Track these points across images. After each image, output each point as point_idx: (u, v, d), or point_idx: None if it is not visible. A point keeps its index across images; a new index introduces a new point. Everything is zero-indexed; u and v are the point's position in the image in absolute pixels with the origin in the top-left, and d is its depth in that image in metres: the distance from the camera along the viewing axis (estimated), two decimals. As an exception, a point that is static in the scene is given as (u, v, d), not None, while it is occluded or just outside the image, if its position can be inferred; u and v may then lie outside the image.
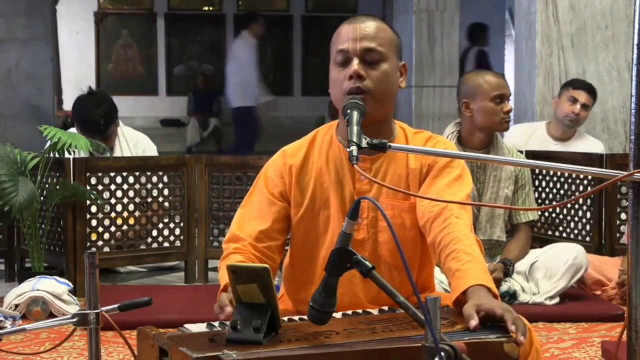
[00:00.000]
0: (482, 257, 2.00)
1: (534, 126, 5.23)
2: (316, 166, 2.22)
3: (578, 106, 4.92)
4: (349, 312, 1.95)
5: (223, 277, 2.06)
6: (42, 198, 4.32)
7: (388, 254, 2.16)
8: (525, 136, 4.84)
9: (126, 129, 4.90)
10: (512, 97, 4.09)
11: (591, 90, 5.03)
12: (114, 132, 4.74)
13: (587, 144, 5.05)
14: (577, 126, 5.02)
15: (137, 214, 4.49)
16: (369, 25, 2.16)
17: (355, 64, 2.12)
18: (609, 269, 4.06)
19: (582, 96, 4.94)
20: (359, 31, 2.14)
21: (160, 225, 4.56)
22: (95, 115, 4.60)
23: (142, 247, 4.53)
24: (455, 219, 2.04)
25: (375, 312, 1.96)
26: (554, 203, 4.61)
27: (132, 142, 4.86)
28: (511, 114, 3.95)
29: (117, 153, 4.72)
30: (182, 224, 4.60)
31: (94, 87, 5.02)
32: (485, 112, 3.79)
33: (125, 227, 4.45)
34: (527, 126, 5.34)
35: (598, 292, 4.06)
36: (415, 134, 2.26)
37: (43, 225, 4.32)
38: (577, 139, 5.06)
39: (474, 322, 1.73)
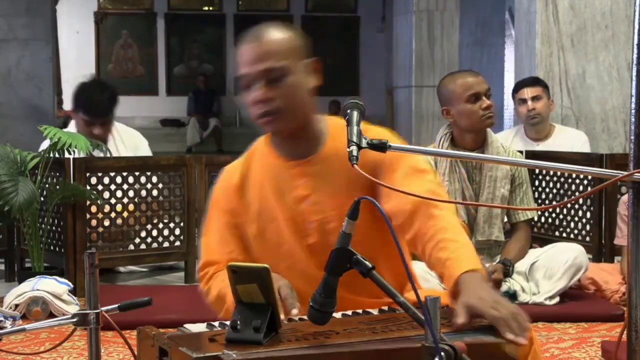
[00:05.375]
0: (469, 240, 1.96)
1: (514, 130, 5.26)
2: (256, 179, 2.18)
3: (529, 103, 4.95)
4: (349, 312, 1.95)
5: (222, 297, 2.07)
6: (42, 198, 4.33)
7: None
8: (507, 141, 4.84)
9: (118, 125, 4.91)
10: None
11: (534, 81, 5.08)
12: (113, 120, 4.76)
13: (569, 138, 5.05)
14: (544, 119, 5.01)
15: (137, 214, 4.49)
16: (265, 42, 2.04)
17: (257, 89, 2.03)
18: (607, 275, 4.04)
19: (526, 93, 4.98)
20: (255, 52, 2.03)
21: (160, 225, 4.56)
22: (102, 97, 4.65)
23: (142, 247, 4.53)
24: (434, 210, 1.97)
25: (375, 312, 1.95)
26: (554, 203, 4.61)
27: (125, 136, 4.89)
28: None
29: (112, 145, 4.73)
30: (182, 224, 4.60)
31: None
32: (464, 114, 3.77)
33: (125, 228, 4.46)
34: (508, 132, 5.38)
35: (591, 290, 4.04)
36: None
37: (43, 225, 4.32)
38: (556, 135, 5.05)
39: (460, 319, 1.70)
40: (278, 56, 2.04)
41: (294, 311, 1.91)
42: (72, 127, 4.79)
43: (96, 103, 4.64)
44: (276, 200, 2.14)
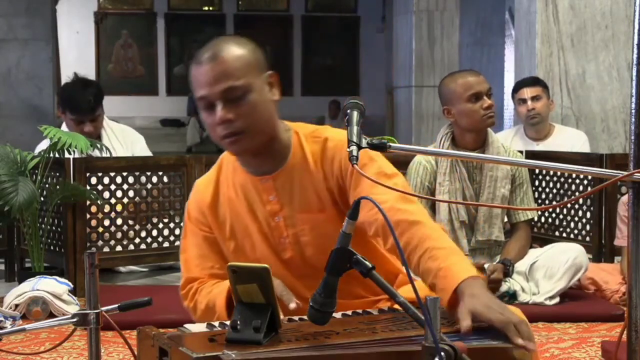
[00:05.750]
0: (455, 244, 1.94)
1: (514, 130, 5.27)
2: (227, 197, 2.16)
3: (528, 103, 4.96)
4: (349, 312, 1.95)
5: (211, 307, 2.06)
6: (42, 198, 4.33)
7: (320, 266, 1.89)
8: (506, 141, 4.85)
9: (110, 122, 4.90)
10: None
11: (534, 81, 5.09)
12: (102, 116, 4.74)
13: (569, 137, 5.05)
14: (544, 119, 5.01)
15: (137, 214, 4.49)
16: (222, 61, 1.98)
17: (219, 109, 1.97)
18: (607, 275, 4.04)
19: (526, 92, 4.98)
20: (212, 72, 1.97)
21: (160, 225, 4.56)
22: (86, 94, 4.63)
23: (142, 247, 4.53)
24: (410, 216, 1.93)
25: (375, 312, 1.95)
26: (554, 203, 4.61)
27: (119, 133, 4.87)
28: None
29: (105, 141, 4.72)
30: (182, 224, 4.59)
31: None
32: (465, 114, 3.77)
33: (125, 227, 4.46)
34: (508, 132, 5.38)
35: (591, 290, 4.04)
36: (311, 140, 2.12)
37: (43, 225, 4.32)
38: (556, 135, 5.05)
39: (466, 323, 1.68)
40: (237, 74, 1.98)
41: (292, 305, 1.91)
42: (63, 128, 4.79)
43: (81, 101, 4.63)
44: (249, 216, 2.13)
